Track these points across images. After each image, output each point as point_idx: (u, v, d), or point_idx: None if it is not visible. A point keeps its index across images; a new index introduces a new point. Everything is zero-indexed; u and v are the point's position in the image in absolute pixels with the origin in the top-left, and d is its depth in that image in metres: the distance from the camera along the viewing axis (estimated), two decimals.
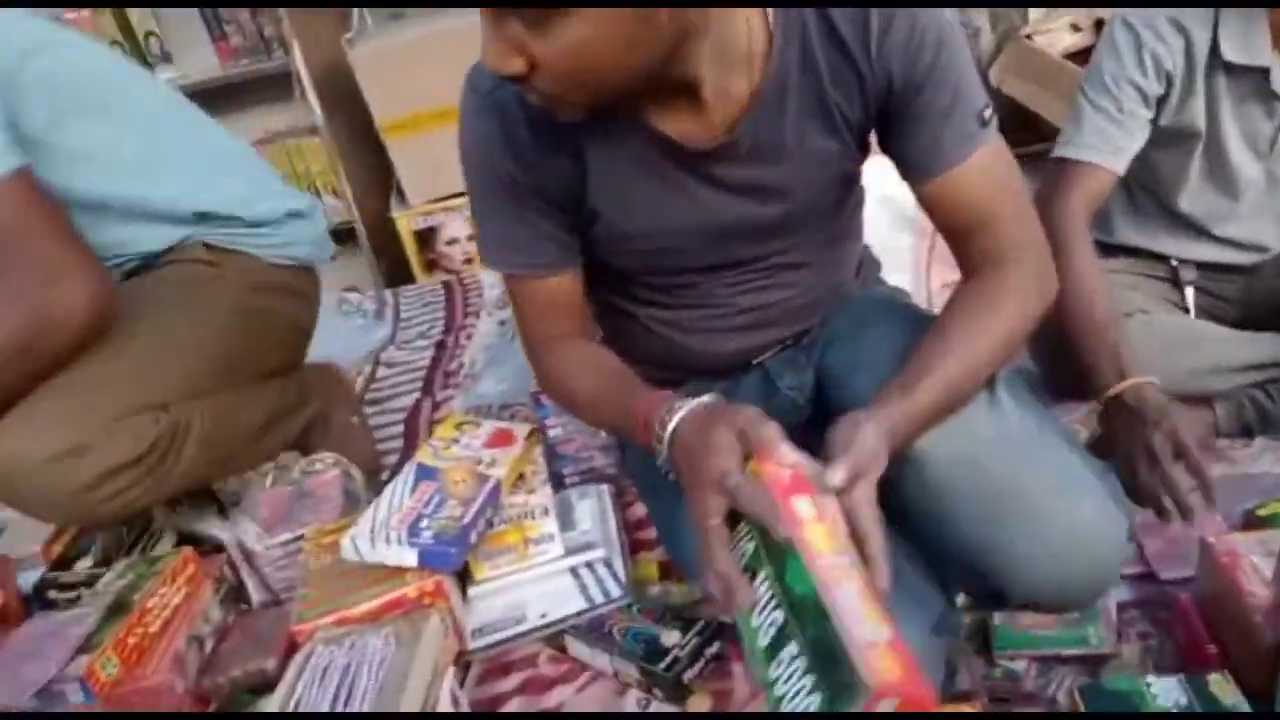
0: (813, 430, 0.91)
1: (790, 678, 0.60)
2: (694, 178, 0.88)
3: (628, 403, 0.85)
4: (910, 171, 0.89)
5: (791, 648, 0.60)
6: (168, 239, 1.26)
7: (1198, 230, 1.35)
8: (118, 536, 1.19)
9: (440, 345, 1.83)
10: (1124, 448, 1.10)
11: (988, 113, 0.86)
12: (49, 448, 1.02)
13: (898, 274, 1.51)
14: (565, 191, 0.89)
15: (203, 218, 1.27)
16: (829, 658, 0.57)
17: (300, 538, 1.12)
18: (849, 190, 0.98)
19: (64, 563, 1.16)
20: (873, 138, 0.93)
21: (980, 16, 2.42)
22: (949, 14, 0.84)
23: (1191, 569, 1.03)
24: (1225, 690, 0.84)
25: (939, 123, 0.84)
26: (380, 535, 1.00)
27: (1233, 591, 0.91)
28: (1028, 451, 0.84)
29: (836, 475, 0.69)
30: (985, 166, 0.86)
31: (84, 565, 1.14)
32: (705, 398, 0.79)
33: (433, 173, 2.20)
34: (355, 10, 2.42)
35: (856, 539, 0.67)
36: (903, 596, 0.72)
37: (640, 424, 0.81)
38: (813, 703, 0.58)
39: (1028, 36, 2.28)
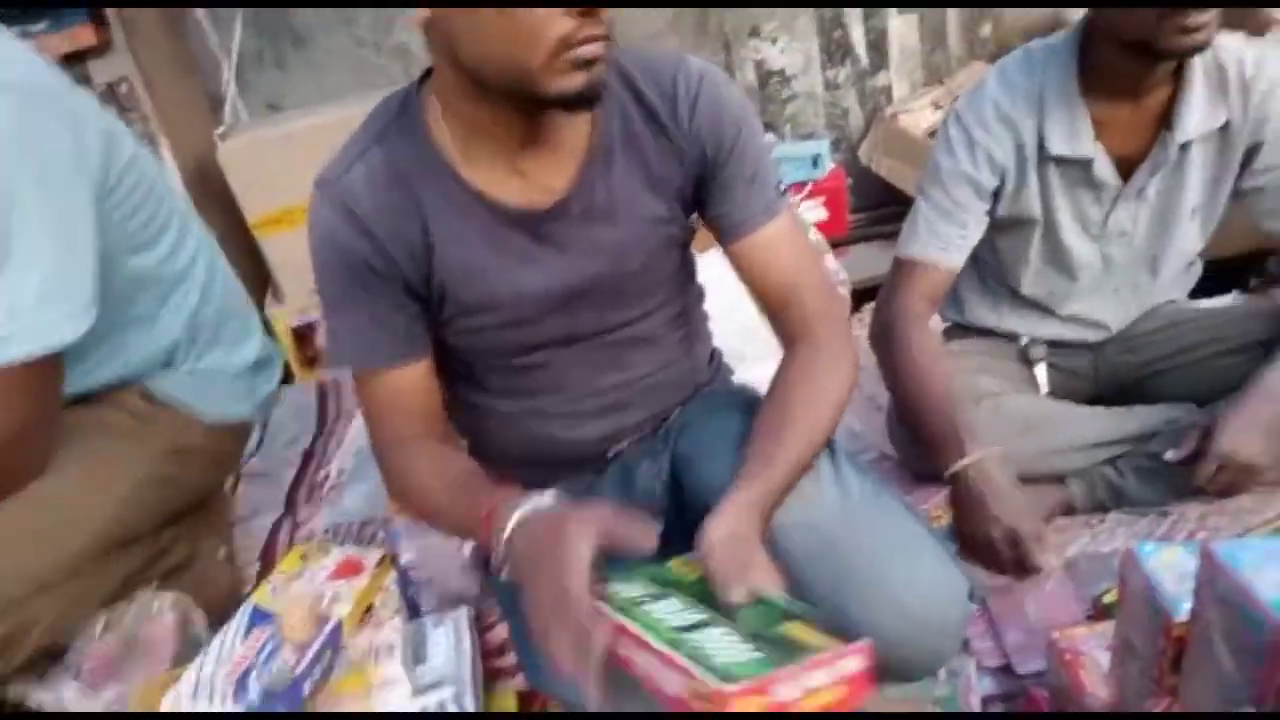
0: (672, 521, 1.00)
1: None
2: (533, 240, 0.92)
3: (472, 501, 0.85)
4: (724, 235, 0.98)
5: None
6: (123, 374, 1.18)
7: (1043, 309, 1.42)
8: None
9: (308, 455, 1.76)
10: (967, 534, 1.13)
11: (782, 186, 0.99)
12: None
13: (767, 362, 1.53)
14: (414, 267, 0.91)
15: (163, 363, 1.20)
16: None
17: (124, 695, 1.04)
18: (683, 258, 1.05)
19: None
20: None
21: (848, 97, 2.52)
22: (746, 102, 0.97)
23: (1045, 663, 1.04)
24: None
25: (745, 189, 0.95)
26: (204, 691, 0.94)
27: (1076, 691, 0.92)
28: (868, 517, 0.90)
29: (735, 594, 0.72)
30: (786, 233, 0.98)
31: None
32: (545, 497, 0.80)
33: (309, 268, 2.15)
34: (228, 105, 2.39)
35: None
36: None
37: (481, 524, 0.81)
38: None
39: (893, 116, 2.38)
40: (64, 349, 1.00)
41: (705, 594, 0.74)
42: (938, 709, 1.03)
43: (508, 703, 1.08)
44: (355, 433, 1.79)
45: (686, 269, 1.08)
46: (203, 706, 0.93)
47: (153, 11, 2.20)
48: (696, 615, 0.71)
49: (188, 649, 1.11)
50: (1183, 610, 0.74)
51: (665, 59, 0.94)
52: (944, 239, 1.28)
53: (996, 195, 1.29)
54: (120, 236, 1.08)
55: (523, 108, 0.84)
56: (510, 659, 1.15)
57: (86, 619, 1.11)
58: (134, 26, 2.07)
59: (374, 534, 1.40)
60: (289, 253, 2.14)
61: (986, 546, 1.10)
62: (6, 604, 1.00)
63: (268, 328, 1.44)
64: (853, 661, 0.64)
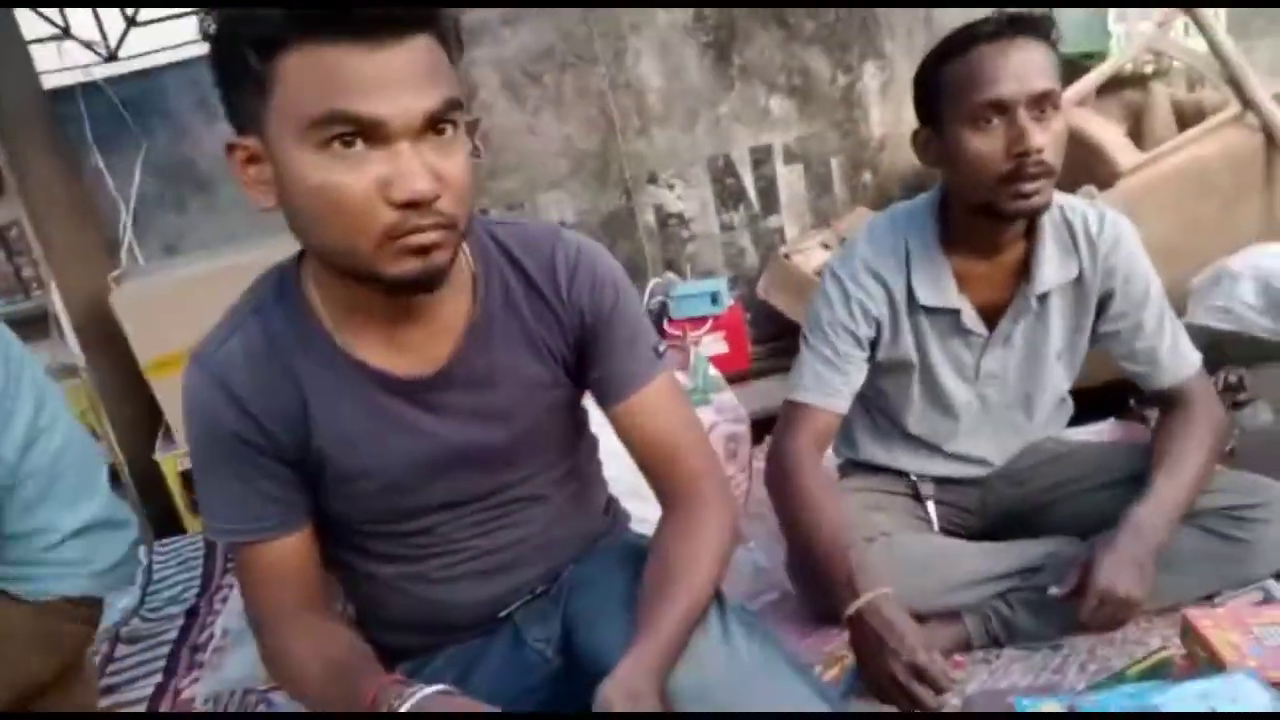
0: (561, 681, 1.00)
1: None
2: (414, 407, 0.92)
3: (356, 682, 0.83)
4: (605, 398, 0.99)
5: None
6: None
7: (929, 447, 1.47)
8: None
9: (192, 613, 1.68)
10: (869, 674, 1.13)
11: (661, 347, 1.01)
12: None
13: None
14: (291, 438, 0.90)
15: None
16: None
17: None
18: (571, 419, 1.05)
19: None
20: None
21: (743, 238, 2.64)
22: (620, 270, 1.00)
23: None
24: None
25: (624, 353, 0.98)
26: None
27: None
28: (758, 682, 0.89)
29: None
30: (664, 390, 1.00)
31: None
32: (435, 688, 0.79)
33: None
34: (124, 248, 2.37)
35: None
36: None
37: (367, 706, 0.79)
38: None
39: (786, 256, 2.50)
40: None
41: None
42: None
43: None
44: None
45: (576, 428, 1.08)
46: None
47: (48, 156, 2.19)
48: None
49: None
50: None
51: (543, 232, 0.97)
52: (828, 386, 1.34)
53: (874, 344, 1.36)
54: None
55: (378, 288, 0.82)
56: None
57: None
58: (27, 170, 2.06)
59: (256, 703, 1.31)
60: (179, 397, 2.09)
61: (890, 683, 1.10)
62: None
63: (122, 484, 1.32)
64: None
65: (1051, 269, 1.29)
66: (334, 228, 0.77)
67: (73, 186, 2.32)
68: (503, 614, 1.06)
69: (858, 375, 1.36)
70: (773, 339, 2.51)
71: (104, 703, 1.41)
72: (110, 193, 2.37)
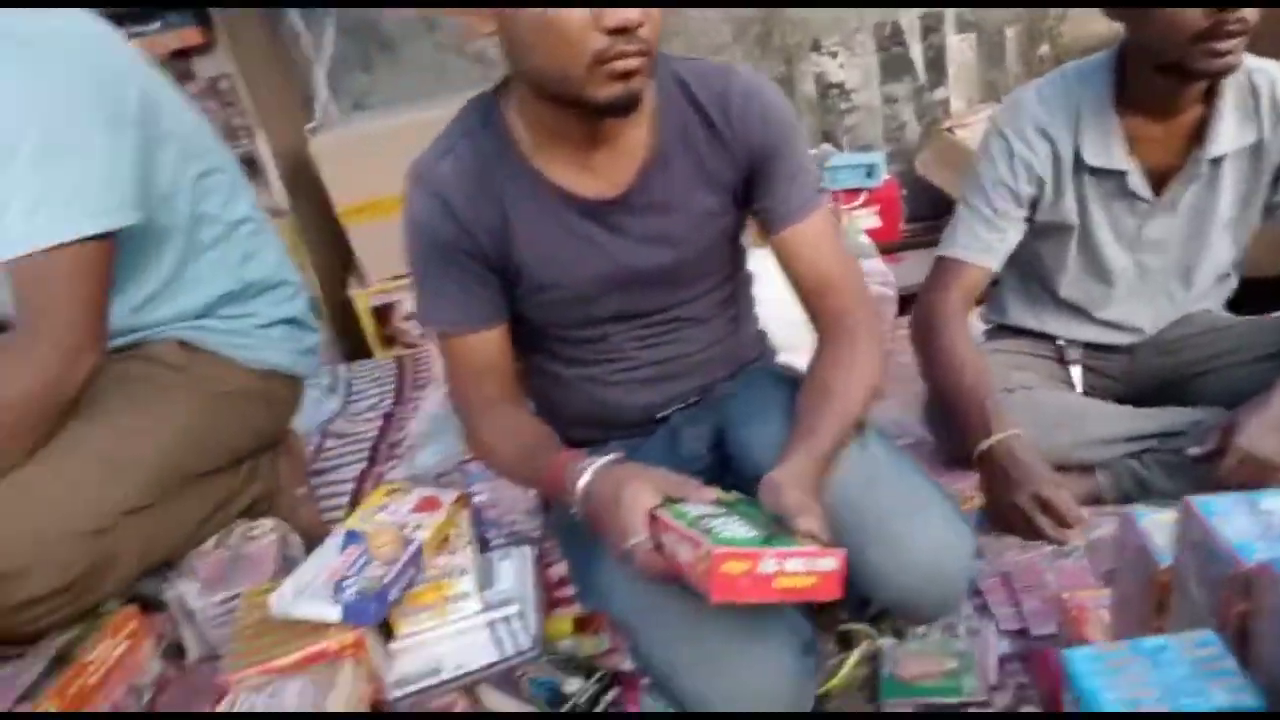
0: (712, 475, 1.07)
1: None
2: (598, 226, 1.04)
3: (542, 462, 0.98)
4: (769, 225, 1.08)
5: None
6: (158, 323, 1.26)
7: (1080, 313, 1.48)
8: None
9: (388, 418, 1.92)
10: (996, 508, 1.21)
11: (821, 188, 1.09)
12: None
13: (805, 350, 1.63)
14: (495, 248, 1.03)
15: (202, 313, 1.28)
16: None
17: (237, 596, 1.19)
18: (733, 249, 1.15)
19: None
20: None
21: (905, 111, 2.61)
22: (789, 107, 1.07)
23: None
24: None
25: (788, 184, 1.05)
26: (306, 593, 1.08)
27: (1080, 643, 1.00)
28: (886, 477, 1.00)
29: (803, 523, 0.81)
30: (823, 225, 1.07)
31: None
32: (609, 456, 0.92)
33: (389, 253, 2.31)
34: (319, 104, 2.57)
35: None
36: (778, 624, 0.90)
37: (552, 480, 0.95)
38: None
39: (949, 129, 2.46)
40: (108, 234, 1.09)
41: (753, 515, 0.85)
42: (955, 664, 1.12)
43: (565, 626, 1.21)
44: (430, 402, 1.94)
45: (736, 257, 1.18)
46: (304, 604, 1.07)
47: (253, 14, 2.36)
48: (721, 511, 0.84)
49: (285, 567, 1.26)
50: (1167, 560, 0.84)
51: (719, 70, 1.05)
52: (983, 242, 1.37)
53: (1035, 203, 1.37)
54: (161, 183, 1.17)
55: (578, 112, 0.93)
56: (566, 592, 1.28)
57: (183, 540, 1.25)
58: (236, 28, 2.25)
59: (447, 484, 1.53)
60: (372, 240, 2.31)
61: (1015, 515, 1.18)
62: (85, 540, 1.09)
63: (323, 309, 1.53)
64: (829, 562, 0.76)
65: (1228, 132, 1.26)
66: (549, 52, 0.87)
67: (274, 44, 2.52)
68: (661, 415, 1.20)
69: (1014, 234, 1.38)
70: (928, 217, 2.49)
71: (316, 482, 1.67)
72: (306, 51, 2.55)
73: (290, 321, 1.40)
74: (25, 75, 1.05)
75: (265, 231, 1.39)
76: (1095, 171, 1.32)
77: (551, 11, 0.85)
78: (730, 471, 1.16)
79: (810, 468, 0.90)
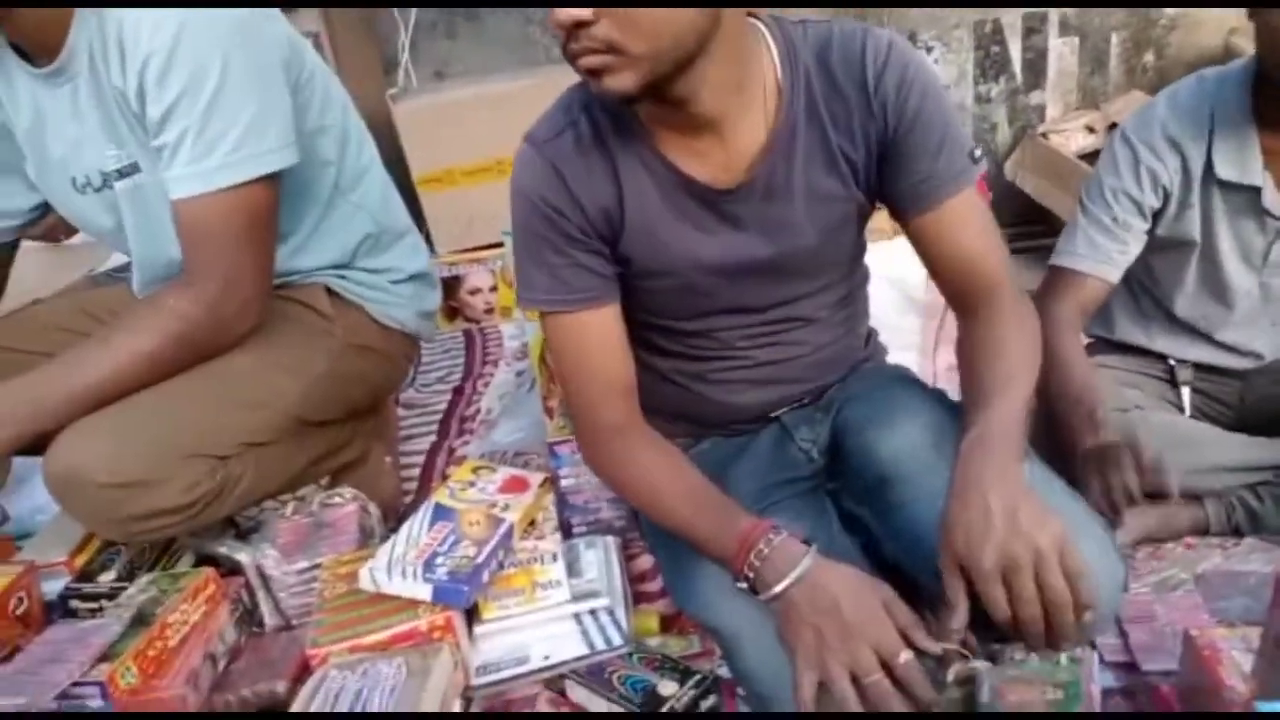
0: (824, 478, 1.08)
1: None
2: (715, 216, 0.99)
3: (721, 523, 0.92)
4: (912, 206, 0.99)
5: None
6: (310, 268, 1.30)
7: (1195, 333, 1.41)
8: (141, 553, 1.24)
9: (458, 391, 1.89)
10: (1085, 478, 1.18)
11: (977, 152, 0.99)
12: (111, 476, 1.05)
13: (904, 353, 1.57)
14: (606, 225, 0.98)
15: (347, 261, 1.31)
16: None
17: (316, 566, 1.16)
18: (855, 240, 1.07)
19: (88, 574, 1.20)
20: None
21: (998, 113, 2.53)
22: (933, 70, 0.97)
23: (1173, 662, 1.06)
24: None
25: (934, 157, 0.96)
26: (397, 568, 1.05)
27: (1213, 684, 0.94)
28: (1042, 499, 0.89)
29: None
30: (973, 204, 0.99)
31: (107, 578, 1.18)
32: (809, 555, 0.88)
33: (461, 225, 2.30)
34: (401, 69, 2.55)
35: None
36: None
37: (736, 543, 0.89)
38: None
39: (1043, 135, 2.38)
40: (274, 175, 1.12)
41: None
42: (1060, 695, 1.06)
43: (651, 624, 1.17)
44: (501, 379, 1.91)
45: (858, 250, 1.12)
46: (396, 580, 1.04)
47: None
48: None
49: (364, 536, 1.23)
50: None
51: (852, 29, 0.97)
52: (1103, 253, 1.31)
53: (1157, 216, 1.31)
54: (309, 121, 1.20)
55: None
56: (651, 585, 1.24)
57: (285, 483, 1.26)
58: None
59: (525, 464, 1.50)
60: (443, 210, 2.28)
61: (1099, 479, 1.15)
62: (210, 464, 1.13)
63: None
64: None
65: None
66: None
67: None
68: (771, 415, 1.15)
69: (1135, 245, 1.32)
70: (1017, 223, 2.41)
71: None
72: (392, 16, 2.53)
73: (419, 277, 1.43)
74: (201, 16, 1.06)
75: (390, 186, 1.42)
76: (1226, 186, 1.26)
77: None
78: (843, 475, 1.11)
79: (1004, 448, 0.84)
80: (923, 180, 0.97)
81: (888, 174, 0.99)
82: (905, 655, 0.82)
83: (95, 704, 0.95)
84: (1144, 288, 1.44)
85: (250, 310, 1.16)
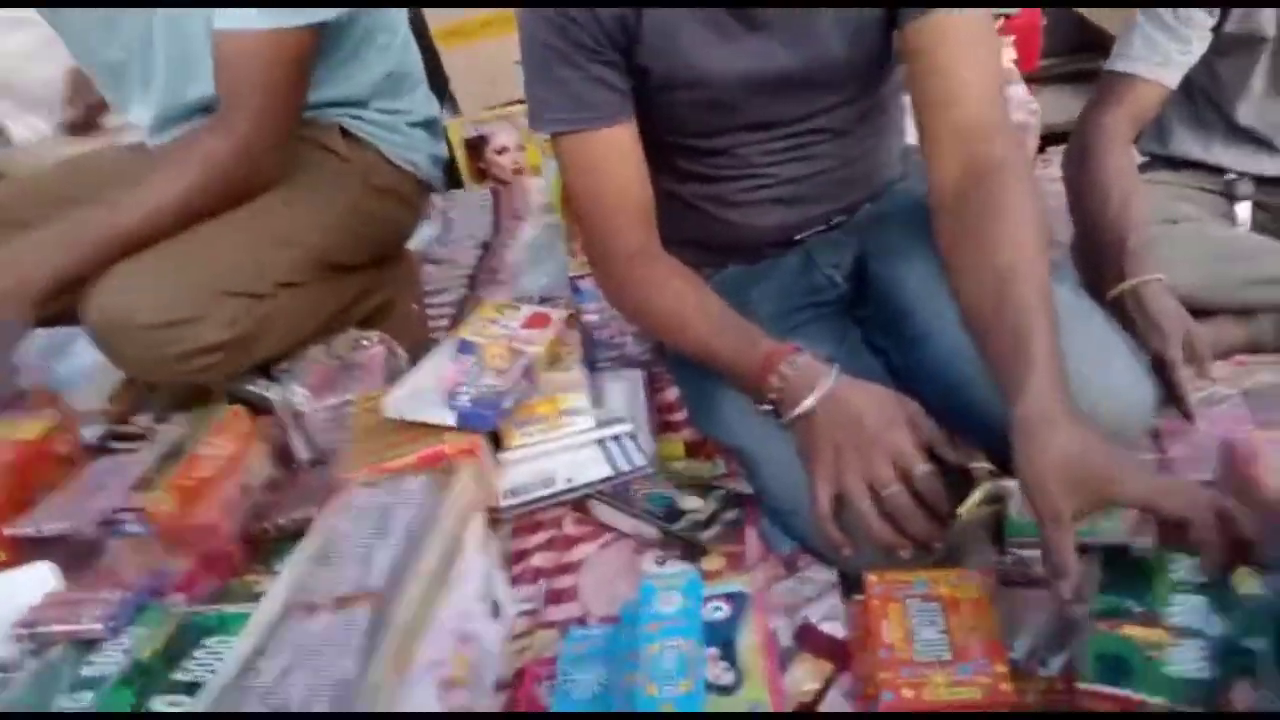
0: (847, 305, 1.05)
1: None
2: (740, 23, 0.93)
3: (746, 348, 0.92)
4: (901, 17, 0.91)
5: None
6: (327, 102, 1.30)
7: (1258, 143, 1.32)
8: (175, 396, 1.27)
9: (486, 246, 1.88)
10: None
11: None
12: (155, 317, 1.09)
13: None
14: (623, 36, 0.93)
15: (360, 101, 1.32)
16: None
17: (346, 402, 1.18)
18: (882, 44, 0.99)
19: (125, 420, 1.24)
20: None
21: None
22: None
23: (1209, 473, 1.03)
24: (1246, 581, 0.84)
25: None
26: (420, 397, 1.06)
27: (1251, 487, 0.91)
28: (1068, 324, 0.82)
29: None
30: (981, 35, 0.90)
31: (143, 421, 1.22)
32: (832, 372, 0.88)
33: (485, 82, 2.23)
34: None
35: None
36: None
37: (756, 370, 0.89)
38: None
39: None
40: (309, 28, 1.14)
41: None
42: None
43: (677, 449, 1.17)
44: (528, 232, 1.90)
45: (887, 55, 1.04)
46: (419, 409, 1.05)
47: None
48: None
49: (392, 377, 1.24)
50: None
51: None
52: (1162, 54, 1.22)
53: (1224, 11, 1.20)
54: None
55: None
56: (678, 416, 1.23)
57: (307, 334, 1.28)
58: None
59: (552, 305, 1.49)
60: (467, 65, 2.21)
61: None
62: (246, 302, 1.16)
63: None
64: None
65: None
66: None
67: None
68: (795, 239, 1.11)
69: (1199, 45, 1.22)
70: (1071, 50, 2.25)
71: None
72: None
73: (431, 124, 1.45)
74: None
75: (408, 34, 1.42)
76: None
77: None
78: (868, 302, 1.08)
79: (1055, 407, 0.72)
80: None
81: None
82: (923, 467, 0.81)
83: (134, 530, 0.99)
84: (1205, 95, 1.34)
85: (279, 151, 1.19)
